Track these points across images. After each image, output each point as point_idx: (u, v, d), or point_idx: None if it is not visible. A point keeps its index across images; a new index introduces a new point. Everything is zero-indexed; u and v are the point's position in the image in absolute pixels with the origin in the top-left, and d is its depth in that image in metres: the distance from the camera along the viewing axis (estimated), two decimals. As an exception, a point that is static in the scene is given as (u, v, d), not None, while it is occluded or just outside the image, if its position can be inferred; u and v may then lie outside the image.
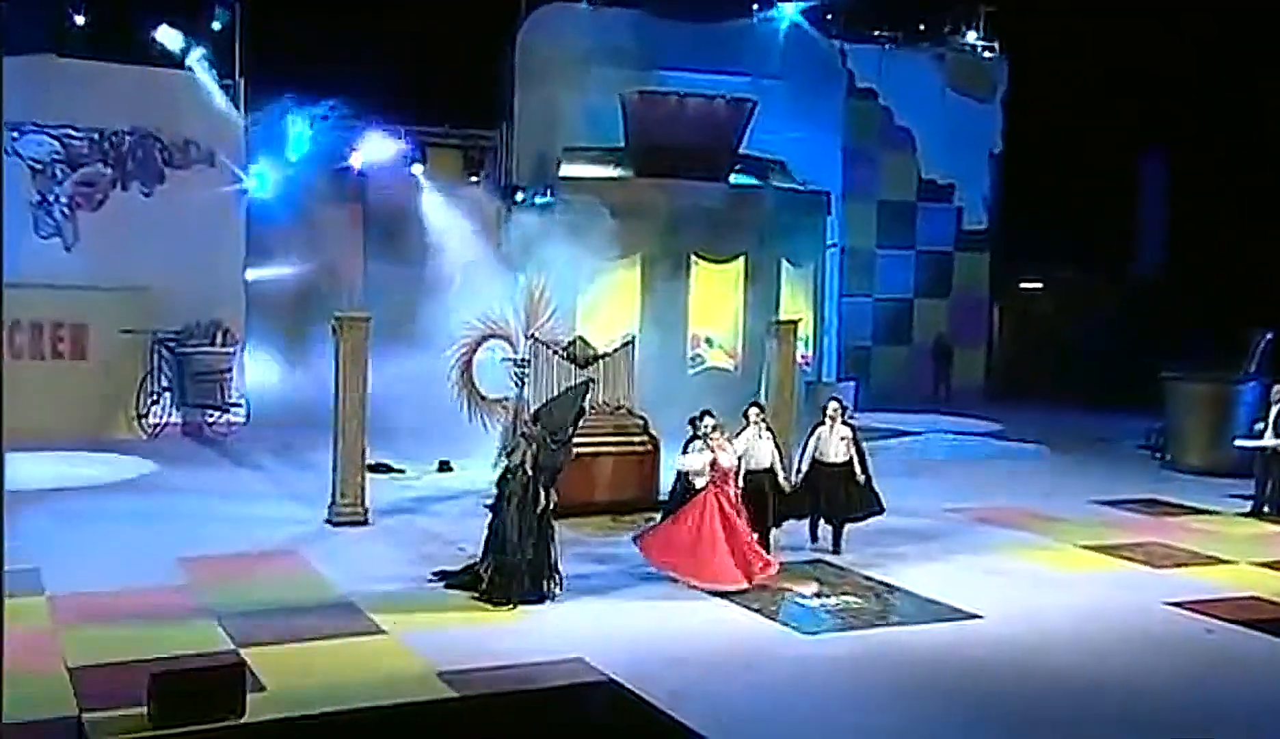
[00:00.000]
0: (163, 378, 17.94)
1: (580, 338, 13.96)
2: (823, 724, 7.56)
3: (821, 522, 12.21)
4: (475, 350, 14.57)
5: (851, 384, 22.74)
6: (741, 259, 21.13)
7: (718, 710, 7.49)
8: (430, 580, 10.30)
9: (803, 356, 22.79)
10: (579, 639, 8.78)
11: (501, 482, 10.10)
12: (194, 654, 7.75)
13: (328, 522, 12.46)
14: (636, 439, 13.79)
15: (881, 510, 12.21)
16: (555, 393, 11.91)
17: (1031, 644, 9.25)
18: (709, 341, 21.27)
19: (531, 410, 10.98)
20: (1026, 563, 11.91)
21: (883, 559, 11.74)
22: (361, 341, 12.36)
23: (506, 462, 10.12)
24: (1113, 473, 17.49)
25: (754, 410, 11.86)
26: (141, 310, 17.51)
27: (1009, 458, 18.36)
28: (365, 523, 12.47)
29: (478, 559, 10.10)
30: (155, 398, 17.88)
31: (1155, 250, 27.53)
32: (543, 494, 9.80)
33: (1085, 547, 12.69)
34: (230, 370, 18.21)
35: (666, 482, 13.82)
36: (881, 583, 10.92)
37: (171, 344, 17.91)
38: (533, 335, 13.87)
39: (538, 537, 9.81)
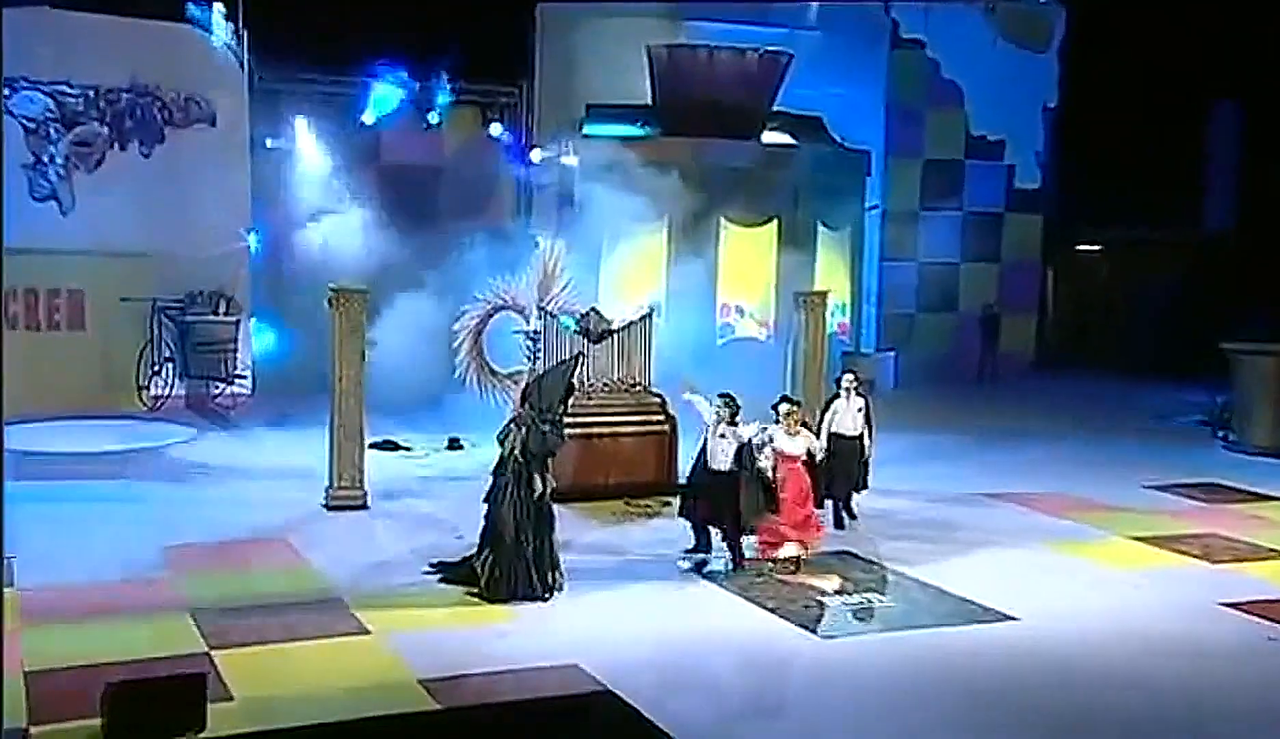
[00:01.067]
0: (164, 348, 17.73)
1: (594, 309, 13.54)
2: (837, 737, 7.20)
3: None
4: (485, 322, 14.20)
5: (890, 355, 22.28)
6: (775, 223, 20.69)
7: (725, 723, 7.13)
8: (427, 572, 10.03)
9: (840, 325, 22.45)
10: (577, 641, 8.45)
11: (496, 470, 9.78)
12: (160, 657, 7.50)
13: (324, 505, 12.20)
14: (654, 418, 13.43)
15: (866, 487, 12.36)
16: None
17: (1071, 651, 8.79)
18: (740, 311, 20.88)
19: (519, 389, 10.65)
20: (1069, 557, 11.44)
21: (913, 551, 11.31)
22: (359, 315, 12.05)
23: (500, 449, 9.78)
24: (1170, 453, 16.88)
25: (847, 377, 12.36)
26: (142, 277, 17.29)
27: (1056, 436, 17.77)
28: (364, 507, 12.20)
29: (474, 552, 9.80)
30: (157, 369, 17.67)
31: (1224, 210, 26.72)
32: (537, 480, 9.48)
33: (1135, 538, 12.16)
34: (235, 340, 17.98)
35: (686, 463, 13.53)
36: (910, 578, 10.50)
37: (173, 313, 17.69)
38: (543, 307, 13.46)
39: (535, 527, 9.51)
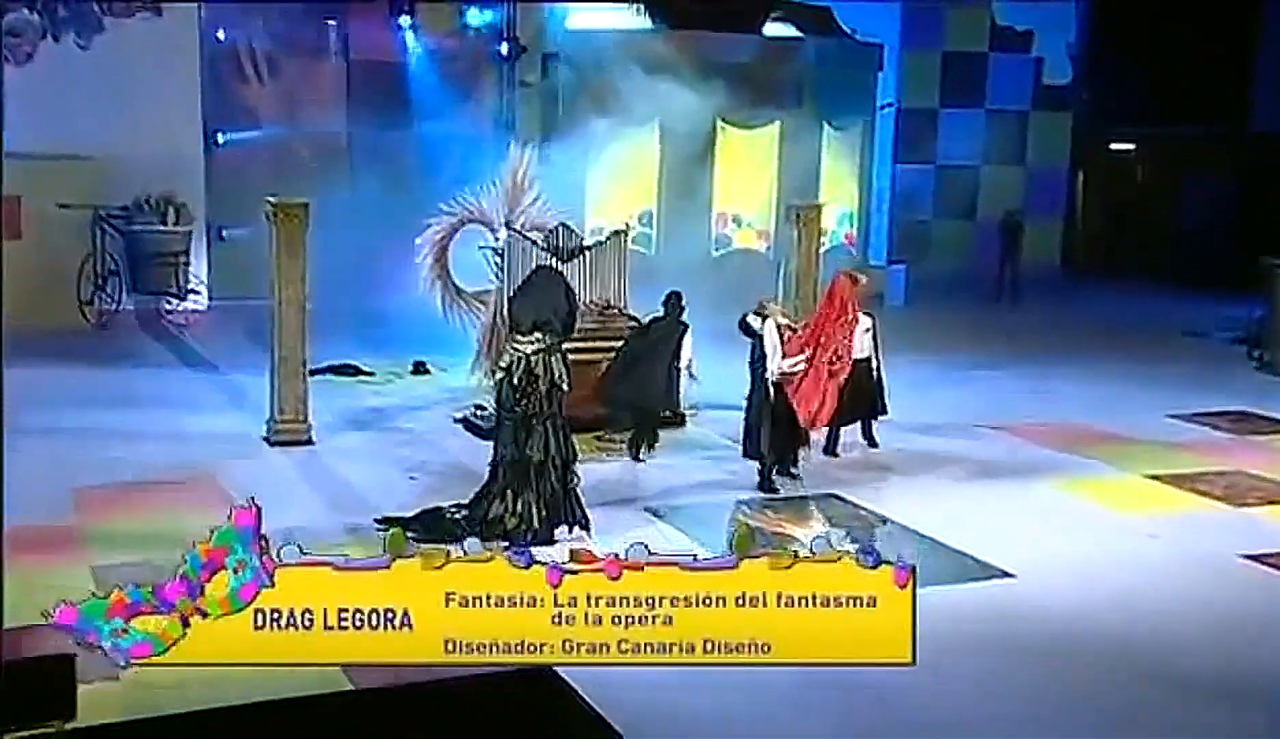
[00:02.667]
0: (109, 260, 17.19)
1: (563, 225, 12.91)
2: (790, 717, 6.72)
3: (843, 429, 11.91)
4: (450, 236, 13.62)
5: (900, 268, 21.65)
6: (776, 124, 20.12)
7: (664, 695, 6.63)
8: (378, 528, 9.22)
9: (846, 236, 21.83)
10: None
11: (512, 404, 9.13)
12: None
13: (265, 439, 11.74)
14: (629, 344, 12.84)
15: (885, 412, 12.19)
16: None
17: (1072, 616, 8.26)
18: (737, 220, 20.44)
19: (510, 312, 10.02)
20: (1078, 499, 10.92)
21: (905, 493, 10.86)
22: (299, 231, 11.45)
23: (513, 375, 9.15)
24: (1199, 377, 16.26)
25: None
26: (83, 183, 16.67)
27: (1077, 358, 17.15)
28: (308, 441, 11.73)
29: (477, 500, 9.29)
30: (101, 283, 17.16)
31: (1274, 107, 25.68)
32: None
33: (1152, 476, 11.64)
34: (186, 251, 17.43)
35: None
36: (898, 525, 10.00)
37: (117, 222, 17.12)
38: (508, 222, 12.84)
39: (570, 456, 9.29)
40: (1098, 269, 25.64)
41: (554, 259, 12.53)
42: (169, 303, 17.52)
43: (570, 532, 9.20)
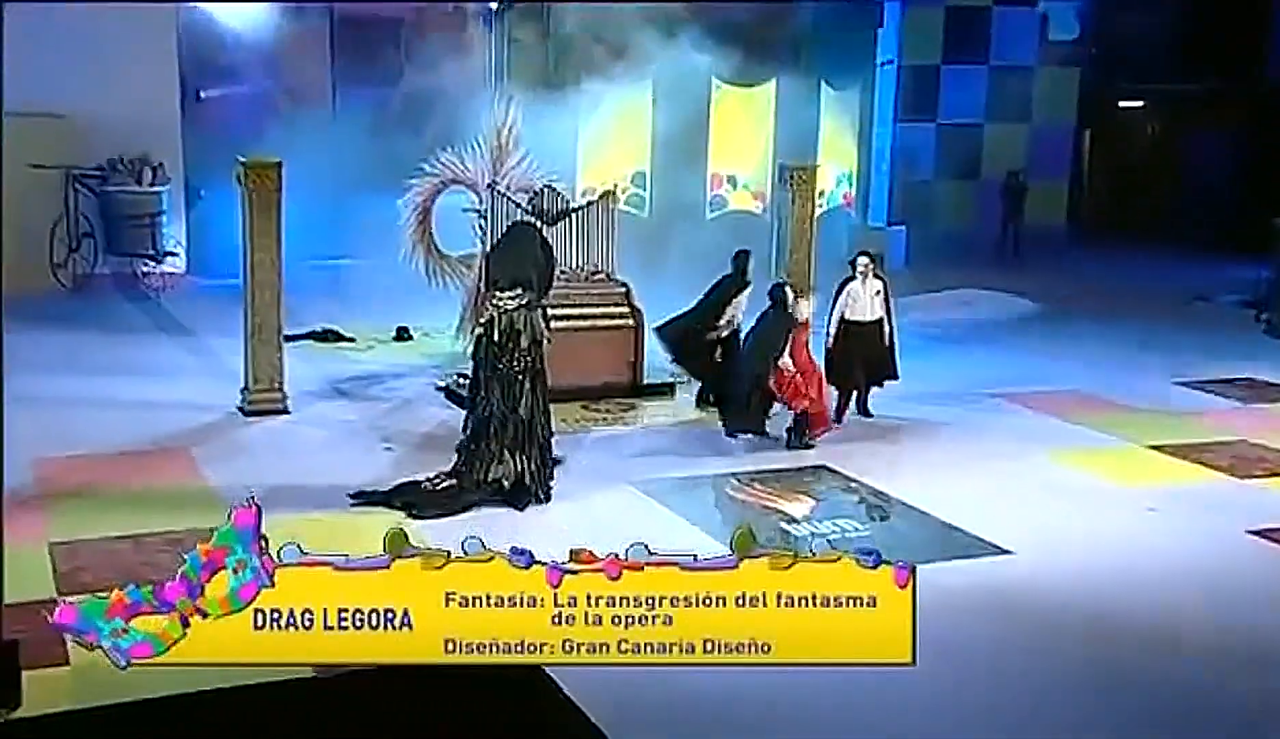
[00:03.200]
0: (82, 221, 16.88)
1: (548, 186, 12.63)
2: (774, 702, 6.51)
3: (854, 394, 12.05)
4: (433, 199, 13.35)
5: (901, 229, 21.36)
6: (773, 82, 19.79)
7: (650, 682, 6.42)
8: (353, 502, 9.07)
9: (845, 197, 21.54)
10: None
11: (491, 366, 9.19)
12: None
13: (239, 409, 11.50)
14: (616, 310, 12.59)
15: (896, 377, 12.16)
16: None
17: (1069, 595, 8.03)
18: (732, 181, 20.14)
19: (487, 269, 10.12)
20: (1079, 470, 10.70)
21: (899, 465, 10.65)
22: (273, 192, 11.15)
23: (494, 331, 9.21)
24: (1206, 342, 16.06)
25: (862, 259, 12.10)
26: (54, 142, 16.29)
27: (1079, 321, 16.89)
28: (284, 411, 11.49)
29: (443, 472, 9.26)
30: (75, 245, 16.86)
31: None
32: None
33: (1155, 447, 11.42)
34: (163, 213, 17.10)
35: (653, 361, 12.80)
36: (892, 500, 9.78)
37: (91, 182, 16.79)
38: (491, 184, 12.55)
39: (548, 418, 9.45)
40: (1104, 231, 25.35)
41: (539, 222, 12.26)
42: (146, 265, 17.21)
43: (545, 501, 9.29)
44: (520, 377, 9.18)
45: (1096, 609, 7.84)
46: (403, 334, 14.86)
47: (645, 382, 12.59)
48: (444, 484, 9.27)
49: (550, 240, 11.72)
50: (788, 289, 11.36)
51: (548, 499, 9.25)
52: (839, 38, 20.21)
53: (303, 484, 9.46)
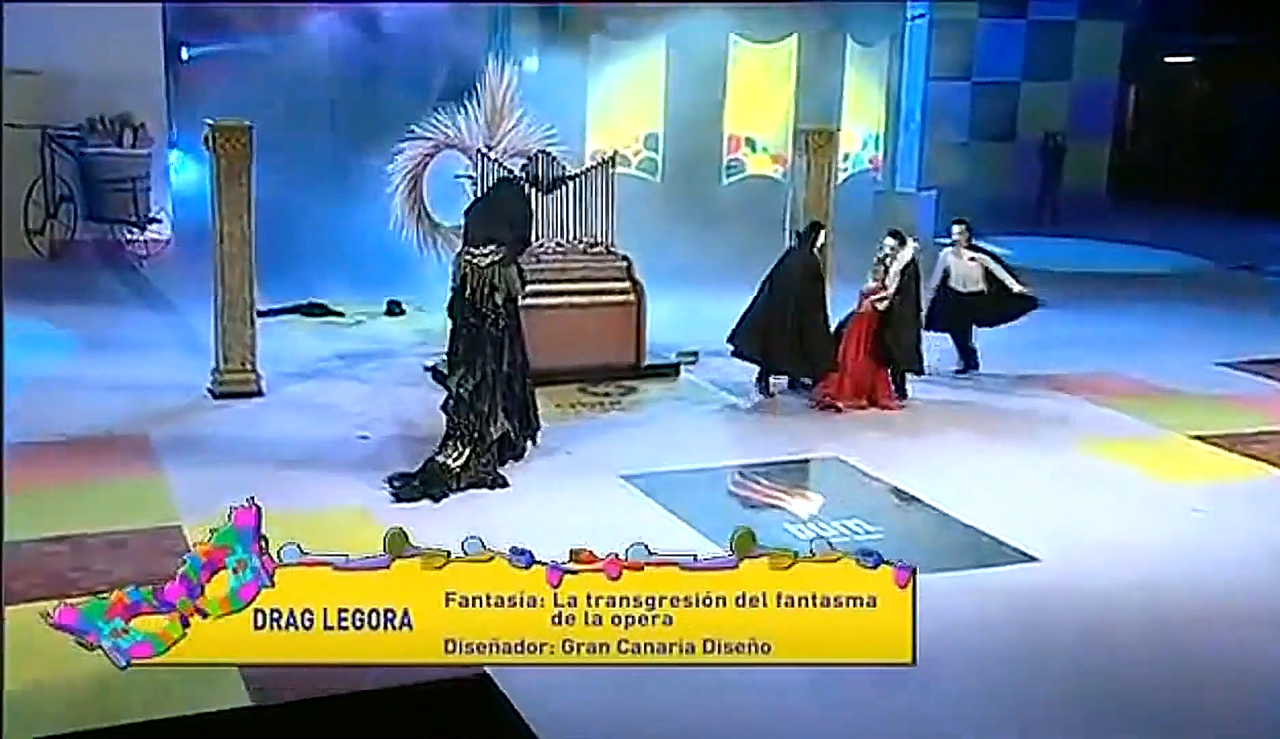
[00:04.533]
0: (61, 185, 16.43)
1: (543, 152, 12.04)
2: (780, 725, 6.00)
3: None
4: (425, 164, 12.82)
5: (931, 195, 20.71)
6: (794, 39, 19.31)
7: (628, 704, 5.96)
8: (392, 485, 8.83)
9: (871, 161, 20.93)
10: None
11: (472, 323, 9.23)
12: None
13: (209, 390, 11.02)
14: (616, 286, 12.04)
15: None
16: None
17: (1100, 609, 7.44)
18: (751, 144, 19.69)
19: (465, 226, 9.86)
20: (1112, 462, 10.08)
21: (917, 457, 10.06)
22: (243, 157, 10.61)
23: (466, 293, 9.27)
24: (1253, 316, 15.43)
25: (956, 227, 12.47)
26: (30, 100, 15.78)
27: (1118, 295, 16.20)
28: (257, 393, 11.01)
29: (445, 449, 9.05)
30: (53, 210, 16.43)
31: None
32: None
33: (1197, 436, 10.77)
34: (146, 176, 16.63)
35: (658, 339, 12.27)
36: (908, 497, 9.20)
37: (69, 143, 16.33)
38: (481, 149, 11.99)
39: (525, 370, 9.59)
40: (1147, 194, 24.59)
41: (534, 190, 11.72)
42: (130, 232, 16.76)
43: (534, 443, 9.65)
44: (502, 334, 9.26)
45: (1132, 629, 7.25)
46: (394, 308, 14.35)
47: (648, 363, 12.04)
48: (464, 458, 9.08)
49: (539, 204, 11.51)
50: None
51: (522, 454, 9.49)
52: (866, -10, 19.55)
53: (262, 478, 8.89)
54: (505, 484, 9.04)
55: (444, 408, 9.33)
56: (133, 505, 8.28)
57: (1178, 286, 17.00)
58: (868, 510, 8.92)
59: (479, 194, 11.95)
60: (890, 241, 11.49)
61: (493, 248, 9.23)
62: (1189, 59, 26.57)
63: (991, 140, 23.25)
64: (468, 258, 9.29)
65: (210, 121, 10.76)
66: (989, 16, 23.01)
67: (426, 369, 12.02)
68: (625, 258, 12.12)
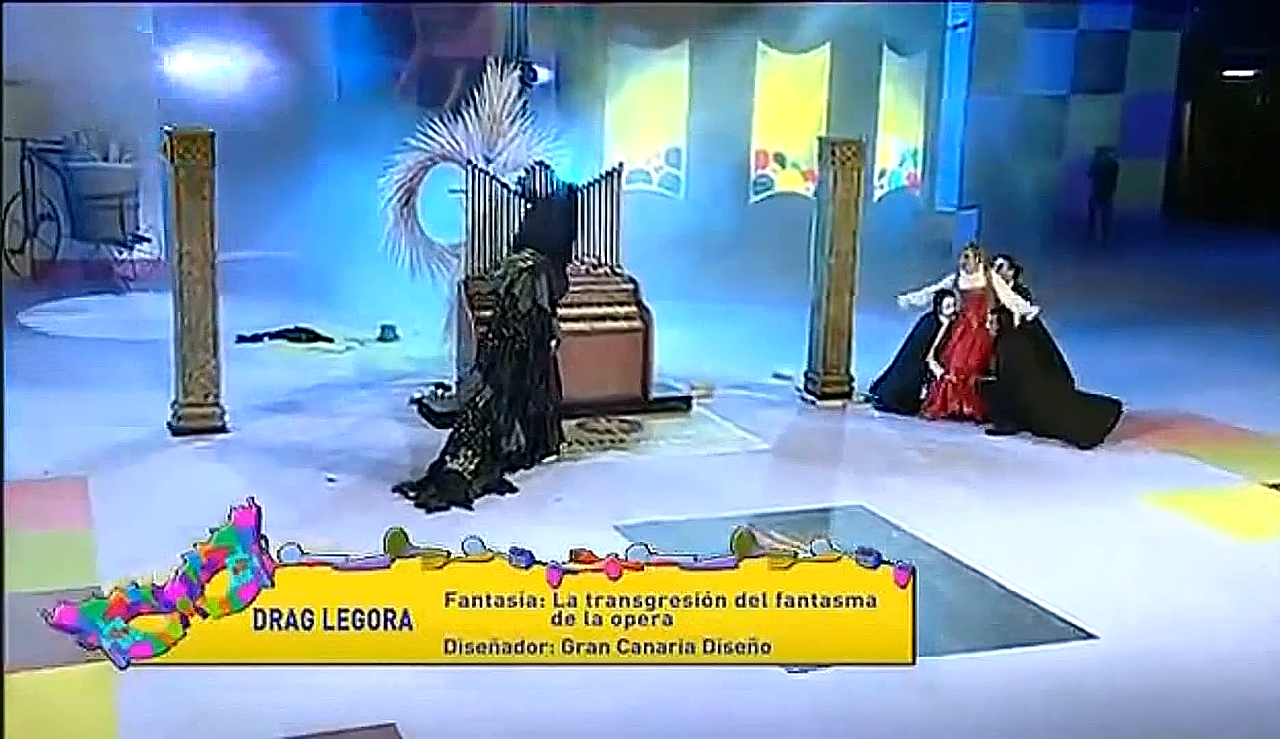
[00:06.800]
0: (41, 201, 15.64)
1: (540, 163, 11.05)
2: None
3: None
4: (419, 178, 11.91)
5: (973, 213, 19.73)
6: (826, 48, 18.54)
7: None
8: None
9: (908, 176, 20.00)
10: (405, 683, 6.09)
11: (501, 332, 9.33)
12: None
13: (169, 425, 10.05)
14: (621, 310, 11.01)
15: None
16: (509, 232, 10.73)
17: (1172, 691, 6.36)
18: (780, 160, 18.86)
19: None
20: (1182, 518, 8.91)
21: (953, 506, 8.96)
22: (205, 167, 9.65)
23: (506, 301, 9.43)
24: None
25: (970, 252, 11.41)
26: (10, 111, 14.98)
27: (1179, 324, 15.01)
28: (220, 429, 10.02)
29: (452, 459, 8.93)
30: (33, 228, 15.64)
31: None
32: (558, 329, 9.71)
33: (1276, 486, 9.58)
34: (134, 192, 15.80)
35: (673, 369, 11.35)
36: (940, 554, 8.06)
37: (51, 157, 15.54)
38: (472, 160, 11.04)
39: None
40: (1206, 216, 23.45)
41: (528, 204, 10.76)
42: (119, 252, 15.91)
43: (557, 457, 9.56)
44: (525, 343, 9.31)
45: (1210, 720, 6.13)
46: (387, 334, 13.39)
47: (656, 396, 10.99)
48: (475, 465, 9.00)
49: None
50: (968, 251, 11.18)
51: (532, 465, 9.37)
52: (904, -4, 18.64)
53: (200, 529, 7.86)
54: (514, 490, 8.96)
55: (457, 413, 9.38)
56: (46, 563, 7.27)
57: (1243, 314, 15.73)
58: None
59: (469, 210, 11.11)
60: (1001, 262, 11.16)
61: (526, 254, 9.54)
62: (1249, 73, 25.51)
63: (1038, 157, 22.32)
64: (504, 263, 9.69)
65: (168, 128, 9.82)
66: (1036, 26, 22.04)
67: (413, 402, 11.06)
68: (632, 280, 11.10)
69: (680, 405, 11.04)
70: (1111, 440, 10.61)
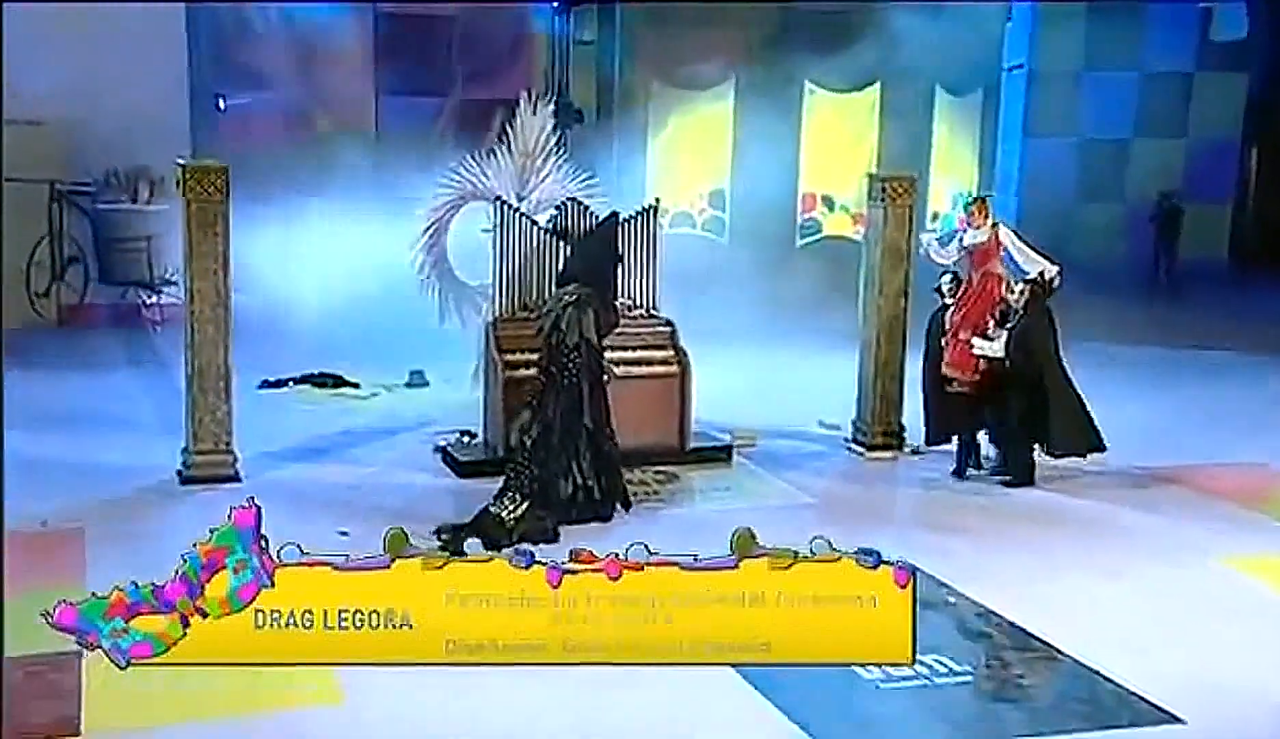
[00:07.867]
0: (69, 244, 15.32)
1: (572, 199, 10.59)
2: None
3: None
4: (450, 217, 11.49)
5: (1031, 259, 19.07)
6: (877, 86, 18.07)
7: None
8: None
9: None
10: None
11: (557, 368, 9.02)
12: None
13: (178, 473, 9.56)
14: (658, 354, 10.47)
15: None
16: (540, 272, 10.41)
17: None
18: (828, 203, 18.32)
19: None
20: (1264, 582, 8.19)
21: (1013, 571, 8.30)
22: (217, 202, 9.21)
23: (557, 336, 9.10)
24: None
25: (976, 206, 11.16)
26: (36, 152, 14.69)
27: (1253, 376, 14.24)
28: (233, 478, 9.52)
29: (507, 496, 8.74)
30: (60, 271, 15.32)
31: None
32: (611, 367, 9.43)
33: (1373, 550, 8.84)
34: (163, 235, 15.37)
35: (714, 418, 10.82)
36: (1002, 624, 7.37)
37: (80, 199, 15.24)
38: (501, 196, 10.56)
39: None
40: (1274, 263, 22.51)
41: (560, 242, 10.28)
42: (148, 296, 15.57)
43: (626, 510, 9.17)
44: (575, 380, 9.01)
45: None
46: (416, 379, 12.89)
47: (695, 445, 10.39)
48: (520, 510, 8.77)
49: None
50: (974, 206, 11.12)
51: (627, 508, 9.17)
52: (959, 35, 18.06)
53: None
54: (557, 538, 8.47)
55: (506, 456, 9.24)
56: (27, 623, 6.71)
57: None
58: (950, 642, 7.11)
59: (497, 248, 10.65)
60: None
61: (571, 289, 9.23)
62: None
63: (1098, 202, 21.82)
64: (550, 300, 9.41)
65: (181, 161, 9.40)
66: (1095, 68, 21.45)
67: (437, 450, 10.54)
68: (669, 323, 10.56)
69: (720, 456, 10.46)
70: (1181, 495, 9.90)
